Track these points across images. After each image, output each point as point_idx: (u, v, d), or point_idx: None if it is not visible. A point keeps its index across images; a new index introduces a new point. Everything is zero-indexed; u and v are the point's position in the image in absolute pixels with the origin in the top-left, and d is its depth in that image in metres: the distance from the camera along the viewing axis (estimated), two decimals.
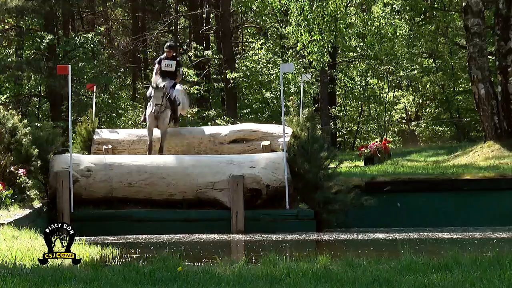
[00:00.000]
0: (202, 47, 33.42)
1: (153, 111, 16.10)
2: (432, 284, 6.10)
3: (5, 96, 31.57)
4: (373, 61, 33.66)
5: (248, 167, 14.56)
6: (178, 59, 17.49)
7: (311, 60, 23.01)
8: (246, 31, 40.72)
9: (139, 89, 37.83)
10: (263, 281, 6.31)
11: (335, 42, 23.99)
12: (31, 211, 12.70)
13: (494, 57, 21.27)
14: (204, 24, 36.24)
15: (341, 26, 23.62)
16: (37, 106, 35.27)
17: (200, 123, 31.03)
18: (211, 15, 36.47)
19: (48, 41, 30.28)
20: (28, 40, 32.74)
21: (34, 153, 14.02)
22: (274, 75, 33.24)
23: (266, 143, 16.04)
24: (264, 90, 33.58)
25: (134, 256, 9.37)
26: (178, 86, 17.06)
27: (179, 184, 14.51)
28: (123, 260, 8.64)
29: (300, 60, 34.18)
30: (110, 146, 16.36)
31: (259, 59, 33.73)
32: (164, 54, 17.25)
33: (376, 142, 19.88)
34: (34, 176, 14.19)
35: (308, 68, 33.24)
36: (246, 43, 39.70)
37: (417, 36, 29.51)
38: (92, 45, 32.81)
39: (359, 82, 35.53)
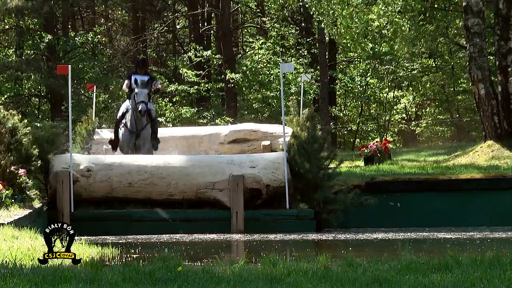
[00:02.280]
0: (202, 47, 33.42)
1: (138, 108, 15.25)
2: (432, 284, 6.10)
3: (5, 96, 31.57)
4: (373, 61, 33.69)
5: (248, 167, 14.56)
6: (151, 74, 16.68)
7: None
8: (246, 31, 40.71)
9: None
10: (263, 281, 6.31)
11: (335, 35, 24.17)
12: (31, 211, 12.70)
13: (494, 57, 21.26)
14: (205, 24, 36.24)
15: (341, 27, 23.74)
16: (37, 106, 35.28)
17: (201, 122, 31.03)
18: (211, 15, 36.47)
19: (47, 41, 30.29)
20: (28, 40, 32.74)
21: (34, 153, 14.02)
22: (274, 75, 33.25)
23: (266, 143, 16.04)
24: (264, 90, 33.58)
25: (134, 256, 9.37)
26: (152, 105, 16.28)
27: (179, 184, 14.51)
28: (123, 260, 8.64)
29: (300, 60, 34.20)
30: (110, 146, 16.37)
31: (259, 59, 33.74)
32: (133, 70, 16.52)
33: (376, 142, 19.87)
34: (34, 176, 14.19)
35: (308, 68, 33.27)
36: (246, 43, 39.70)
37: (417, 36, 29.49)
38: (92, 45, 32.84)
39: (359, 82, 35.55)
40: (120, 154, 15.86)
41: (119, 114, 16.16)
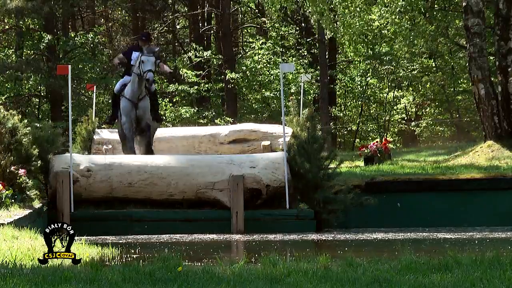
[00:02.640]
0: (202, 47, 33.42)
1: (145, 77, 14.59)
2: (432, 284, 6.10)
3: (5, 96, 31.57)
4: (373, 61, 33.70)
5: (248, 167, 14.56)
6: (156, 49, 15.52)
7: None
8: (246, 31, 40.72)
9: None
10: (263, 281, 6.31)
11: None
12: (31, 211, 12.70)
13: (494, 57, 21.26)
14: (205, 24, 36.24)
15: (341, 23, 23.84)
16: (37, 106, 35.27)
17: (201, 122, 31.03)
18: (211, 15, 36.47)
19: (47, 41, 30.27)
20: (28, 40, 32.73)
21: (34, 153, 14.02)
22: (274, 75, 33.25)
23: (266, 143, 16.03)
24: (264, 90, 33.58)
25: (134, 256, 9.37)
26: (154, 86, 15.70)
27: (179, 184, 14.51)
28: (123, 260, 8.64)
29: (301, 60, 34.20)
30: (110, 146, 16.36)
31: (259, 59, 33.73)
32: (134, 44, 15.88)
33: (376, 142, 19.87)
34: (34, 176, 14.19)
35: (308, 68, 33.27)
36: (246, 43, 39.70)
37: (417, 36, 29.50)
38: (92, 45, 32.81)
39: (359, 82, 35.54)
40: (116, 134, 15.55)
41: (117, 87, 15.68)
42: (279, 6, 25.24)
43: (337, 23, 23.51)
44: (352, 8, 23.56)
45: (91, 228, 13.14)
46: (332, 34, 24.04)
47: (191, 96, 33.78)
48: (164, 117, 31.54)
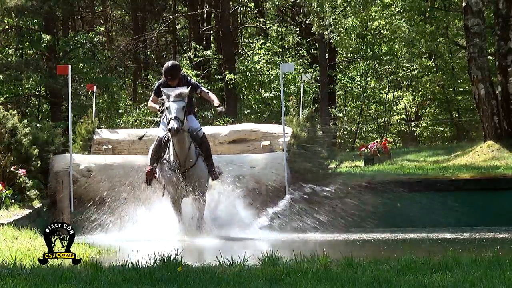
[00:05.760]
0: (201, 47, 33.42)
1: (169, 127, 11.66)
2: (432, 284, 6.10)
3: (5, 96, 31.57)
4: (373, 61, 33.69)
5: (248, 167, 14.55)
6: (189, 79, 12.63)
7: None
8: (245, 31, 40.72)
9: (139, 89, 37.84)
10: (263, 281, 6.31)
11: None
12: (31, 211, 12.71)
13: (494, 57, 21.26)
14: (205, 24, 36.24)
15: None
16: (37, 106, 35.26)
17: (201, 122, 31.01)
18: (211, 15, 36.48)
19: (46, 42, 30.26)
20: (27, 40, 32.73)
21: (34, 153, 14.03)
22: (274, 75, 33.25)
23: (266, 143, 16.03)
24: (263, 91, 33.56)
25: (134, 256, 9.36)
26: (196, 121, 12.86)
27: None
28: (123, 260, 8.63)
29: (300, 60, 34.20)
30: (110, 146, 16.34)
31: (259, 59, 33.73)
32: (162, 79, 12.64)
33: (376, 142, 19.87)
34: (34, 176, 14.19)
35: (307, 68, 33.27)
36: (246, 43, 39.69)
37: (417, 36, 29.52)
38: (91, 45, 32.80)
39: (359, 82, 35.54)
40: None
41: (161, 132, 12.74)
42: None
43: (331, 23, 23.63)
44: (348, 9, 23.63)
45: (91, 228, 13.14)
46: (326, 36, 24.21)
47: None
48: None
